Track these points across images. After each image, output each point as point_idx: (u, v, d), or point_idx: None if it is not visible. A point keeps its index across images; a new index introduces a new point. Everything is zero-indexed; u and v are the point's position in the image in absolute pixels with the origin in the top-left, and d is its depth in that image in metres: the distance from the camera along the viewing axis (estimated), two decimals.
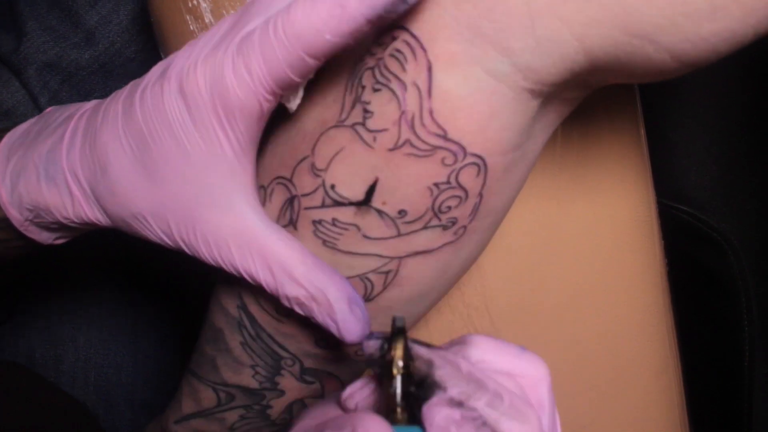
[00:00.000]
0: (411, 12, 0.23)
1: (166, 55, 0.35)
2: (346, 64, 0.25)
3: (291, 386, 0.31)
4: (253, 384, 0.31)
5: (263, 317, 0.29)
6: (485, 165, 0.24)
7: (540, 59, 0.22)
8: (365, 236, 0.26)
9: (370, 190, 0.25)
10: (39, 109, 0.44)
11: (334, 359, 0.31)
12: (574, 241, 0.36)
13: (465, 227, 0.26)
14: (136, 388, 0.50)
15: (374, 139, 0.24)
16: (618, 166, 0.36)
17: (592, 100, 0.28)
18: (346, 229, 0.26)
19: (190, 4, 0.32)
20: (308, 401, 0.32)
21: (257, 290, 0.28)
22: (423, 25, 0.23)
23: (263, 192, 0.27)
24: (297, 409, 0.32)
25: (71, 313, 0.50)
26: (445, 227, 0.26)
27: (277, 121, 0.29)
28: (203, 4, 0.32)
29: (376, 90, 0.24)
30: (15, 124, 0.44)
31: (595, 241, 0.36)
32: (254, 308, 0.29)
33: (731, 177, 0.46)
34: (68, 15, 0.45)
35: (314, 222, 0.26)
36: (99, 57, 0.45)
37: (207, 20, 0.32)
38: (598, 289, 0.37)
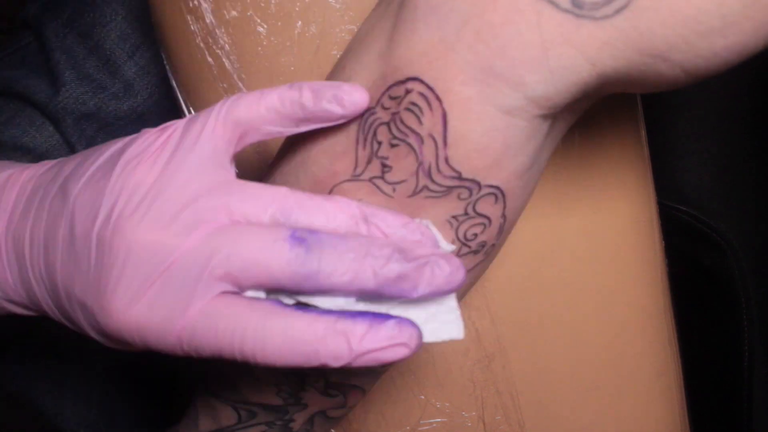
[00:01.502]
0: (424, 59, 0.23)
1: (167, 55, 0.35)
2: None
3: (315, 400, 0.31)
4: (277, 401, 0.31)
5: None
6: (502, 192, 0.24)
7: (554, 87, 0.22)
8: None
9: None
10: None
11: (359, 372, 0.31)
12: (575, 241, 0.36)
13: (494, 245, 0.27)
14: None
15: (393, 190, 0.24)
16: (618, 166, 0.36)
17: (593, 103, 0.28)
18: None
19: (191, 4, 0.32)
20: (330, 412, 0.32)
21: None
22: (437, 73, 0.23)
23: None
24: (318, 420, 0.32)
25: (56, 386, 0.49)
26: (476, 252, 0.26)
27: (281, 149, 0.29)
28: (204, 5, 0.32)
29: (393, 146, 0.24)
30: None
31: (596, 241, 0.36)
32: None
33: (731, 177, 0.47)
34: (106, 64, 0.45)
35: None
36: (137, 108, 0.45)
37: (208, 20, 0.32)
38: (599, 290, 0.37)
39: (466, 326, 0.36)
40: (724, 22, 0.20)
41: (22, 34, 0.48)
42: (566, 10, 0.21)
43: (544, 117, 0.24)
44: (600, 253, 0.36)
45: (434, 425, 0.37)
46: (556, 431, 0.38)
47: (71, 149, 0.44)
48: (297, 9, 0.32)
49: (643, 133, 0.36)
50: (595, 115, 0.34)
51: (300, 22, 0.32)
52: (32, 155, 0.43)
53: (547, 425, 0.37)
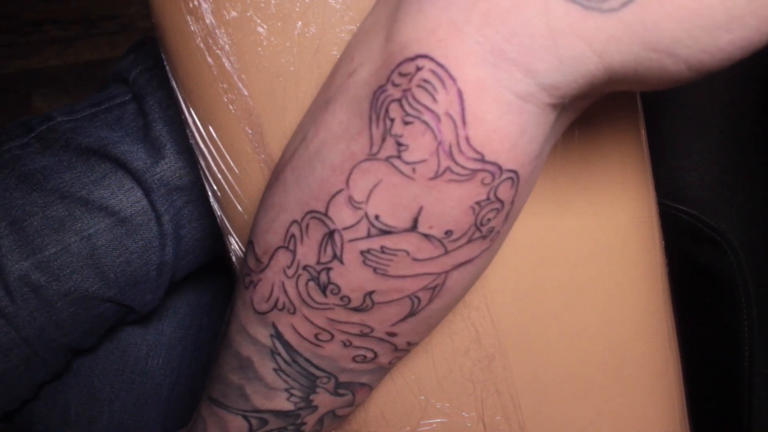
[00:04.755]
0: (432, 37, 0.23)
1: (167, 56, 0.35)
2: (365, 94, 0.25)
3: (325, 401, 0.31)
4: (288, 406, 0.31)
5: (301, 343, 0.29)
6: (518, 176, 0.25)
7: (563, 77, 0.23)
8: (414, 259, 0.26)
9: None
10: (160, 224, 0.45)
11: (368, 371, 0.31)
12: (575, 241, 0.36)
13: (498, 232, 0.27)
14: None
15: (413, 170, 0.24)
16: (618, 166, 0.36)
17: (594, 101, 0.28)
18: (395, 254, 0.26)
19: (191, 5, 0.32)
20: (339, 411, 0.32)
21: (293, 318, 0.28)
22: (448, 53, 0.23)
23: (297, 226, 0.27)
24: (328, 420, 0.32)
25: (114, 376, 0.50)
26: (484, 237, 0.26)
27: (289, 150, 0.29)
28: (204, 5, 0.32)
29: (407, 123, 0.24)
30: (132, 232, 0.44)
31: (596, 241, 0.36)
32: (291, 336, 0.29)
33: (731, 177, 0.46)
34: None
35: (362, 252, 0.26)
36: None
37: (208, 21, 0.32)
38: (598, 290, 0.37)
39: (466, 326, 0.36)
40: (728, 16, 0.20)
41: (116, 89, 0.48)
42: (573, 0, 0.21)
43: (554, 106, 0.24)
44: (600, 253, 0.36)
45: (434, 425, 0.37)
46: (556, 431, 0.38)
47: (158, 218, 0.44)
48: (297, 9, 0.32)
49: (643, 132, 0.36)
50: (595, 115, 0.34)
51: (300, 23, 0.32)
52: (116, 218, 0.44)
53: (547, 425, 0.38)
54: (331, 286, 0.27)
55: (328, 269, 0.27)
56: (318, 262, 0.27)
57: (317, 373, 0.30)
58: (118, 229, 0.44)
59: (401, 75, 0.23)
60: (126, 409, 0.50)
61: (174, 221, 0.45)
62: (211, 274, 0.54)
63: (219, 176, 0.35)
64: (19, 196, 0.42)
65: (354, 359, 0.30)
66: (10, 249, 0.41)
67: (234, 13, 0.32)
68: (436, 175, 0.24)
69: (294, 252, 0.27)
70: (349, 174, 0.25)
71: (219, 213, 0.36)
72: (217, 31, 0.32)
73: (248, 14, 0.32)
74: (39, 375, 0.45)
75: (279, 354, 0.30)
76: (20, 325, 0.42)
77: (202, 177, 0.36)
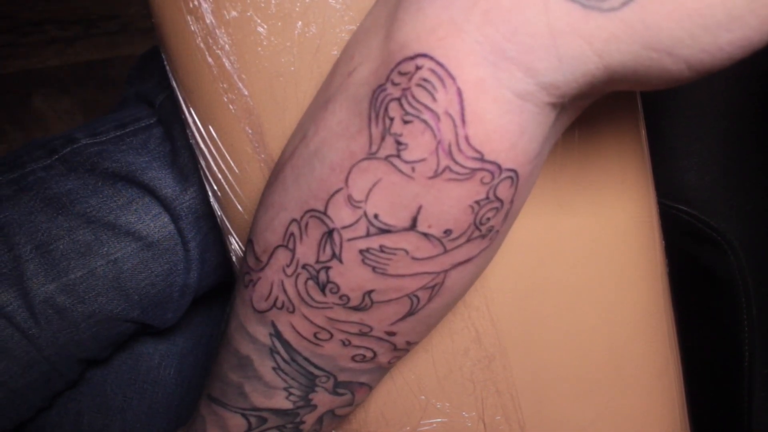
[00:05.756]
0: (432, 36, 0.23)
1: (167, 55, 0.35)
2: (364, 93, 0.25)
3: (324, 400, 0.31)
4: (287, 405, 0.31)
5: (300, 342, 0.29)
6: (517, 176, 0.25)
7: (563, 76, 0.23)
8: (414, 258, 0.26)
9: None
10: (186, 249, 0.45)
11: (368, 370, 0.31)
12: (575, 241, 0.36)
13: (498, 231, 0.27)
14: None
15: (413, 169, 0.24)
16: (618, 166, 0.36)
17: (594, 101, 0.28)
18: (394, 253, 0.26)
19: (191, 5, 0.32)
20: (338, 410, 0.32)
21: (292, 316, 0.28)
22: (448, 52, 0.23)
23: (297, 225, 0.27)
24: (327, 419, 0.33)
25: (126, 385, 0.50)
26: (483, 236, 0.26)
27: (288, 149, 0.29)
28: (204, 5, 0.32)
29: (406, 122, 0.24)
30: (159, 256, 0.44)
31: (596, 241, 0.36)
32: (290, 335, 0.29)
33: (731, 177, 0.46)
34: None
35: (361, 251, 0.26)
36: None
37: (208, 21, 0.32)
38: (598, 290, 0.37)
39: (466, 326, 0.36)
40: (729, 16, 0.21)
41: (139, 110, 0.47)
42: (573, 0, 0.21)
43: (553, 105, 0.24)
44: (600, 252, 0.36)
45: (434, 425, 0.37)
46: (556, 431, 0.38)
47: (185, 243, 0.44)
48: (297, 9, 0.32)
49: (643, 132, 0.36)
50: (595, 115, 0.34)
51: (300, 23, 0.32)
52: (143, 242, 0.44)
53: (547, 425, 0.38)
54: (330, 285, 0.27)
55: (327, 268, 0.27)
56: (317, 261, 0.27)
57: (316, 372, 0.30)
58: (144, 253, 0.44)
59: (401, 74, 0.23)
60: (138, 418, 0.50)
61: (200, 246, 0.45)
62: (223, 287, 0.54)
63: (219, 176, 0.35)
64: (45, 220, 0.42)
65: (353, 358, 0.30)
66: (35, 272, 0.41)
67: (234, 13, 0.32)
68: (436, 174, 0.24)
69: (293, 251, 0.27)
70: (349, 173, 0.25)
71: (219, 213, 0.36)
72: (217, 31, 0.32)
73: (248, 14, 0.32)
74: (56, 386, 0.45)
75: (278, 353, 0.30)
76: (43, 345, 0.42)
77: (202, 177, 0.36)
